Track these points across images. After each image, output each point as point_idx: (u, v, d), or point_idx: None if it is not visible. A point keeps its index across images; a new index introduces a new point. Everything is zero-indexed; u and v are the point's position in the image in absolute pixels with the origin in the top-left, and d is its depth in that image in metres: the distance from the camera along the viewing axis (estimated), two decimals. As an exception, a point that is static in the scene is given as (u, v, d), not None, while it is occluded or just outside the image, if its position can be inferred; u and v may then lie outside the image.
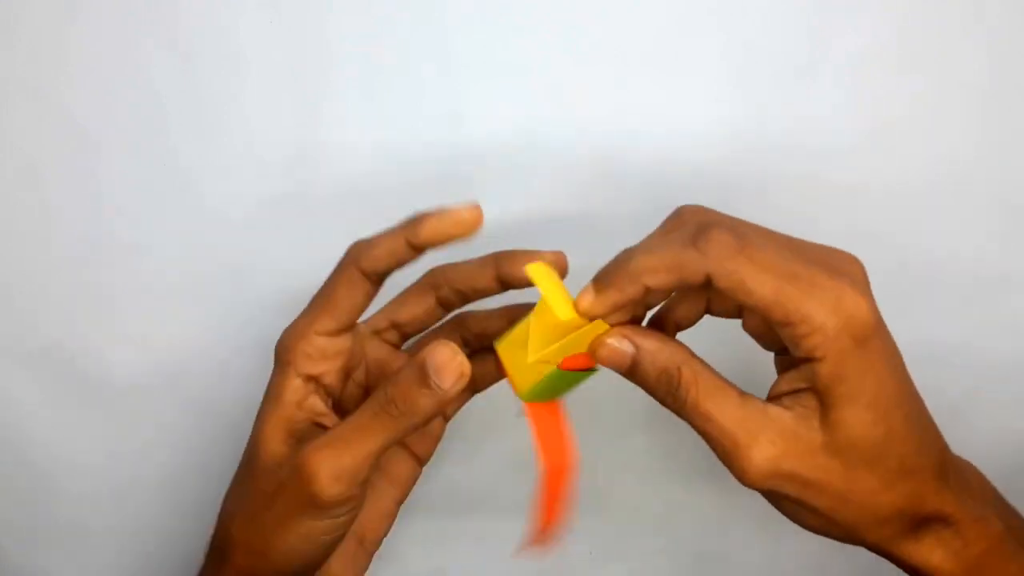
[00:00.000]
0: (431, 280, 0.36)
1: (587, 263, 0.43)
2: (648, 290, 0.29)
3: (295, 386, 0.34)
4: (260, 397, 0.40)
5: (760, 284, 0.27)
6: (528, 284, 0.32)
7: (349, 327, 0.34)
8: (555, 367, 0.31)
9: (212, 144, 0.43)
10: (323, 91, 0.42)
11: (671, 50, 0.41)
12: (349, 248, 0.34)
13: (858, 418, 0.28)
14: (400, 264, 0.33)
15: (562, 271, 0.33)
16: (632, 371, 0.31)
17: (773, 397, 0.30)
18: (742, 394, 0.29)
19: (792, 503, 0.30)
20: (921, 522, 0.30)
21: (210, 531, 0.37)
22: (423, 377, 0.30)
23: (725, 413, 0.29)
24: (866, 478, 0.29)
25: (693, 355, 0.30)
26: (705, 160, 0.42)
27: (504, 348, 0.33)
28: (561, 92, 0.41)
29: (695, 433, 0.31)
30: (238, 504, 0.35)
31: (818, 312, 0.27)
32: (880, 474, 0.29)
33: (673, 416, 0.31)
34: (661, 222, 0.33)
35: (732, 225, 0.29)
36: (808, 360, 0.28)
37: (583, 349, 0.31)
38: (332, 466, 0.31)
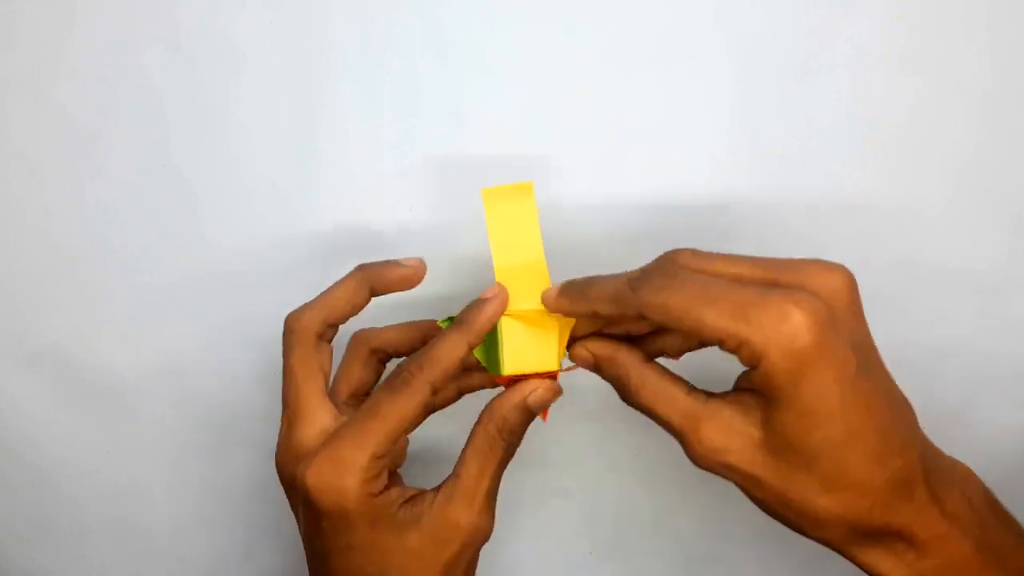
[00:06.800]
0: (359, 344, 0.39)
1: (587, 261, 0.43)
2: (595, 312, 0.33)
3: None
4: (258, 396, 0.40)
5: (682, 312, 0.29)
6: None
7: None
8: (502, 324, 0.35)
9: (211, 144, 0.43)
10: (323, 91, 0.42)
11: (671, 50, 0.41)
12: (292, 323, 0.36)
13: (791, 423, 0.29)
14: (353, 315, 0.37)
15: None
16: (598, 373, 0.35)
17: (731, 390, 0.32)
18: (689, 390, 0.32)
19: (742, 490, 0.32)
20: (869, 532, 0.30)
21: (208, 529, 0.37)
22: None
23: (670, 409, 0.32)
24: (803, 480, 0.30)
25: (643, 361, 0.33)
26: (705, 160, 0.42)
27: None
28: (562, 93, 0.41)
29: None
30: None
31: (743, 329, 0.28)
32: (817, 479, 0.29)
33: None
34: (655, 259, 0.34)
35: (674, 265, 0.31)
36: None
37: (546, 327, 0.35)
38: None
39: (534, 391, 0.35)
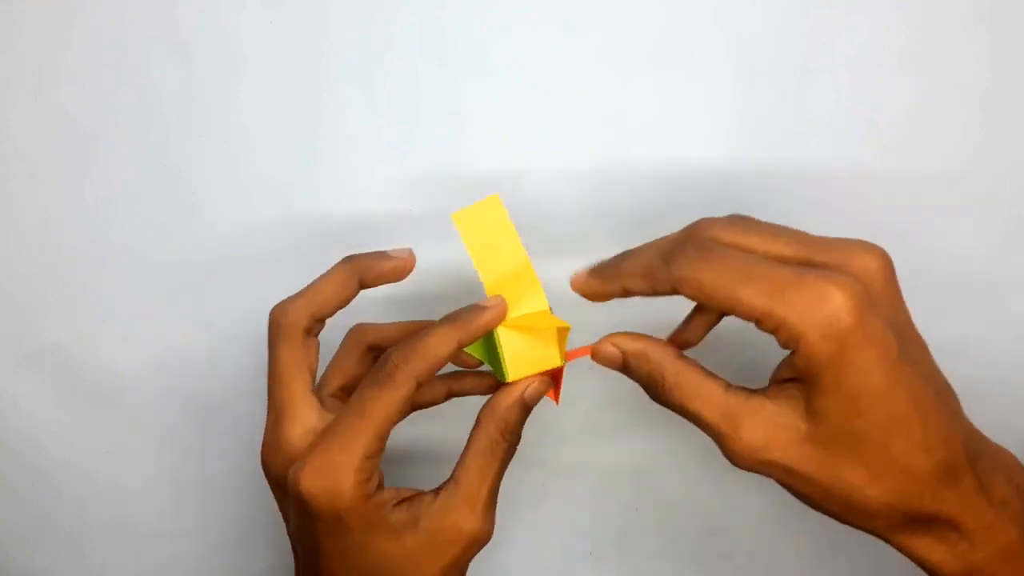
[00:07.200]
0: (356, 338, 0.39)
1: (585, 262, 0.43)
2: (627, 289, 0.32)
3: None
4: (259, 397, 0.40)
5: (718, 289, 0.29)
6: None
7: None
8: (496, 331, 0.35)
9: (211, 145, 0.43)
10: (323, 91, 0.42)
11: (672, 50, 0.41)
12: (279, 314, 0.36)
13: (834, 408, 0.28)
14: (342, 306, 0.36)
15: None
16: (626, 372, 0.33)
17: (769, 385, 0.31)
18: (727, 387, 0.31)
19: (785, 487, 0.31)
20: (919, 520, 0.30)
21: (207, 529, 0.37)
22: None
23: (708, 407, 0.30)
24: (850, 470, 0.29)
25: (677, 357, 0.32)
26: (706, 160, 0.42)
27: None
28: (562, 93, 0.41)
29: (694, 433, 0.31)
30: None
31: (780, 308, 0.28)
32: (864, 468, 0.29)
33: (672, 416, 0.32)
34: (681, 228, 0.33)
35: (708, 238, 0.30)
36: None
37: (544, 332, 0.35)
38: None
39: (529, 386, 0.34)
